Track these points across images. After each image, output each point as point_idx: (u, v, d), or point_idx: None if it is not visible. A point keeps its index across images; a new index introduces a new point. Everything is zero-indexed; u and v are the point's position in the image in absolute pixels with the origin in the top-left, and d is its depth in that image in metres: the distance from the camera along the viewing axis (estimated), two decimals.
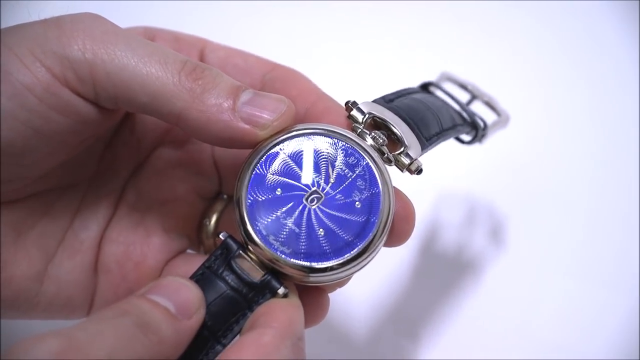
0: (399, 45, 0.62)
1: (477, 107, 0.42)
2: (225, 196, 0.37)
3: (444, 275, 0.51)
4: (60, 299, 0.32)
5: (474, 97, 0.43)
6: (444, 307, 0.49)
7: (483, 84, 0.60)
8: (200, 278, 0.28)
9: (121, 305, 0.25)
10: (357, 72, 0.60)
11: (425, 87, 0.40)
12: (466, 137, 0.40)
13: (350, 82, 0.59)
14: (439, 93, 0.39)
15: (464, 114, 0.39)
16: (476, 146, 0.41)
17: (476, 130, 0.39)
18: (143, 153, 0.35)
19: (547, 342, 0.47)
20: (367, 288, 0.49)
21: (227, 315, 0.28)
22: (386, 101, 0.33)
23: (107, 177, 0.34)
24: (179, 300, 0.26)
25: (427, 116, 0.34)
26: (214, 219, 0.36)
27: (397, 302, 0.49)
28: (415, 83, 0.39)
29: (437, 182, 0.53)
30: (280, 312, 0.27)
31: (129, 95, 0.28)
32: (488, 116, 0.41)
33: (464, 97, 0.42)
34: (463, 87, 0.43)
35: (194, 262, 0.33)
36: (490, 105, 0.43)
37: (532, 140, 0.57)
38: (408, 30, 0.63)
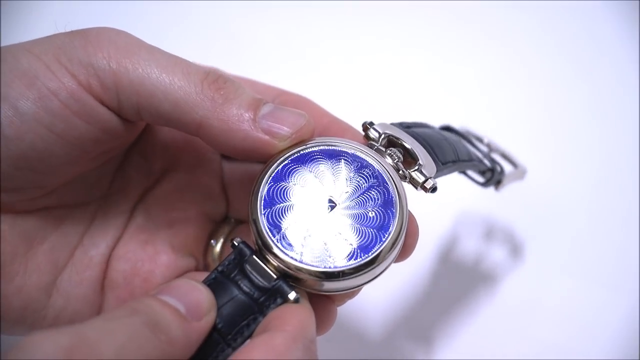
0: (399, 45, 0.62)
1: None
2: (233, 219, 0.37)
3: (449, 272, 0.51)
4: (67, 313, 0.32)
5: (490, 150, 0.43)
6: (445, 302, 0.49)
7: (483, 84, 0.60)
8: (213, 282, 0.28)
9: (132, 305, 0.25)
10: (356, 72, 0.60)
11: (445, 128, 0.40)
12: (480, 179, 0.41)
13: (350, 82, 0.59)
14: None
15: (480, 155, 0.39)
16: (491, 191, 0.42)
17: (492, 172, 0.40)
18: (153, 176, 0.35)
19: (547, 342, 0.47)
20: (381, 293, 0.49)
21: (238, 319, 0.28)
22: (403, 127, 0.34)
23: (118, 198, 0.34)
24: (190, 301, 0.26)
25: (444, 145, 0.35)
26: (220, 241, 0.36)
27: (411, 308, 0.49)
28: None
29: (456, 201, 0.53)
30: (291, 315, 0.27)
31: (152, 103, 0.28)
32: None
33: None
34: (479, 140, 0.43)
35: (202, 278, 0.33)
36: (506, 158, 0.44)
37: (529, 138, 0.57)
38: (408, 30, 0.63)
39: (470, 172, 0.42)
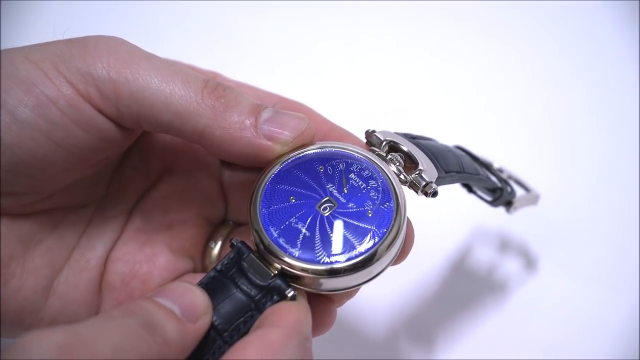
0: (400, 47, 0.62)
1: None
2: (231, 222, 0.37)
3: (448, 271, 0.51)
4: (64, 315, 0.32)
5: (503, 175, 0.44)
6: (446, 303, 0.49)
7: (483, 83, 0.60)
8: (211, 281, 0.29)
9: (128, 306, 0.25)
10: (357, 74, 0.60)
11: (456, 147, 0.40)
12: (489, 197, 0.41)
13: (350, 84, 0.59)
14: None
15: (489, 174, 0.39)
16: (503, 213, 0.42)
17: (501, 191, 0.40)
18: (151, 178, 0.35)
19: (547, 342, 0.47)
20: (384, 297, 0.49)
21: (235, 316, 0.28)
22: (408, 137, 0.34)
23: (115, 201, 0.34)
24: (185, 303, 0.26)
25: (448, 156, 0.35)
26: (219, 243, 0.36)
27: (413, 312, 0.49)
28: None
29: (469, 214, 0.52)
30: (287, 312, 0.27)
31: (152, 113, 0.28)
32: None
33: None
34: (489, 165, 0.43)
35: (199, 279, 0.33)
36: (518, 182, 0.44)
37: (530, 139, 0.57)
38: (409, 32, 0.63)
39: (479, 192, 0.42)
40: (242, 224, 0.37)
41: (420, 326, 0.48)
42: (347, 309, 0.48)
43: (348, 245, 0.29)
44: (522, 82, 0.60)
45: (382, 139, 0.33)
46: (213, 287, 0.28)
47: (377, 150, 0.32)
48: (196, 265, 0.36)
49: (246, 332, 0.28)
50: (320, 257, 0.28)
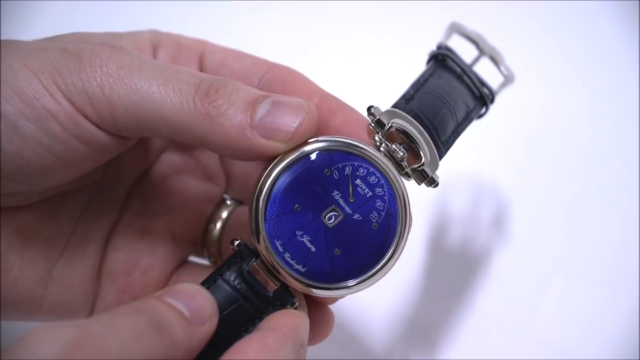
0: (399, 44, 0.62)
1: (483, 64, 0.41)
2: (229, 201, 0.37)
3: (449, 270, 0.51)
4: (63, 302, 0.32)
5: (481, 53, 0.42)
6: (446, 303, 0.49)
7: None
8: (212, 285, 0.29)
9: (137, 304, 0.25)
10: (356, 70, 0.60)
11: (435, 57, 0.38)
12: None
13: (351, 80, 0.59)
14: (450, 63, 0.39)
15: (474, 88, 0.38)
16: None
17: (486, 107, 0.38)
18: (149, 159, 0.35)
19: (547, 342, 0.47)
20: (379, 289, 0.48)
21: (237, 324, 0.28)
22: (406, 100, 0.32)
23: (112, 184, 0.34)
24: (194, 306, 0.26)
25: (445, 115, 0.33)
26: (219, 224, 0.36)
27: (404, 296, 0.49)
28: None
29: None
30: (286, 317, 0.28)
31: (150, 126, 0.28)
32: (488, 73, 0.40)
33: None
34: (471, 40, 0.42)
35: (201, 273, 0.34)
36: (495, 61, 0.42)
37: (532, 140, 0.57)
38: (407, 29, 0.63)
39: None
40: (242, 203, 0.37)
41: (417, 324, 0.48)
42: (338, 309, 0.48)
43: (354, 264, 0.29)
44: (521, 81, 0.60)
45: (387, 122, 0.31)
46: (215, 291, 0.28)
47: (379, 134, 0.31)
48: (196, 247, 0.36)
49: None
50: (325, 278, 0.29)
